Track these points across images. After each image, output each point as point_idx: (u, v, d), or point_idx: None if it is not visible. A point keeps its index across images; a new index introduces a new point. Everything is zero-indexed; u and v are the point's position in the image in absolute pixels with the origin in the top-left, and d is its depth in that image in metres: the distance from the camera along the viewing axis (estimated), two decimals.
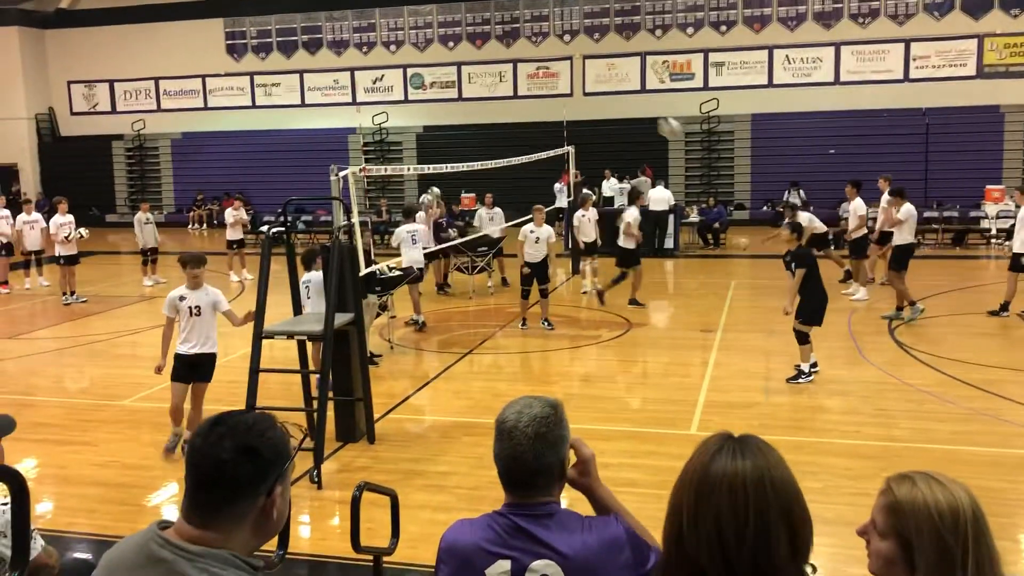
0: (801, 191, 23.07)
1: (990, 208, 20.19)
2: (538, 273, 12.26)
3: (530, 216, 12.69)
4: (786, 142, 24.32)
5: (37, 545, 3.67)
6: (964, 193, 21.31)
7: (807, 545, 1.79)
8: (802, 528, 1.78)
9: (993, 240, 19.83)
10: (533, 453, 2.22)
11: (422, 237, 12.79)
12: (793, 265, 9.31)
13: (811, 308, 9.28)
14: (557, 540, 2.21)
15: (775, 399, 8.88)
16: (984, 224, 20.37)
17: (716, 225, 21.08)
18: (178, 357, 7.55)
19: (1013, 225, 12.69)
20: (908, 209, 12.21)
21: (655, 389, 9.58)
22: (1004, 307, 12.12)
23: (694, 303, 14.38)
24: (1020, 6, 23.18)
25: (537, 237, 12.20)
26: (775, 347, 10.62)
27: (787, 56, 24.85)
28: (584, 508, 2.41)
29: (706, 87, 25.48)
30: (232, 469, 1.73)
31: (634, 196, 14.85)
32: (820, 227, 15.33)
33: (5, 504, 3.33)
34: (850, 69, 24.43)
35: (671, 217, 19.57)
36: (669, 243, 19.57)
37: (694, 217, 21.46)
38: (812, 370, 9.40)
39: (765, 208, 24.65)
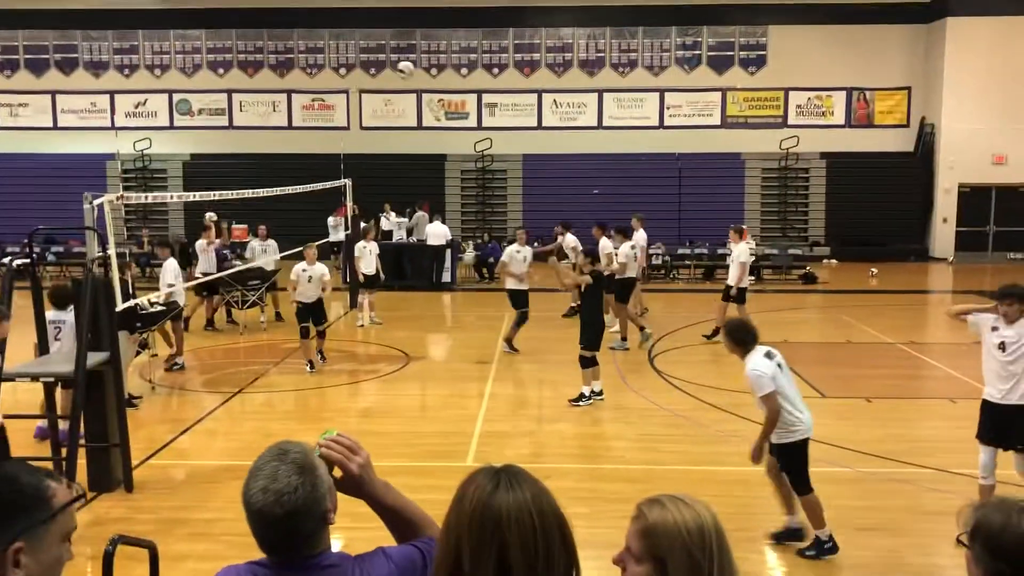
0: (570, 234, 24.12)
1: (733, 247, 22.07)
2: (314, 313, 11.90)
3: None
4: (555, 182, 25.44)
5: None
6: (713, 232, 23.22)
7: (579, 569, 1.86)
8: (574, 552, 1.85)
9: None
10: (290, 530, 2.04)
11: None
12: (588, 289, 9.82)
13: (594, 332, 9.80)
14: None
15: (546, 427, 9.18)
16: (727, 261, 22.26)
17: (491, 260, 21.62)
18: None
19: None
20: (626, 249, 13.26)
21: (433, 422, 9.62)
22: (716, 332, 13.37)
23: (471, 335, 14.63)
24: (756, 65, 25.78)
25: (310, 276, 11.84)
26: (547, 376, 11.01)
27: (555, 100, 26.11)
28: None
29: (480, 126, 26.22)
30: None
31: (623, 231, 13.76)
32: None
33: None
34: (612, 115, 26.06)
35: (448, 251, 19.87)
36: (447, 277, 19.84)
37: (470, 252, 21.90)
38: (596, 397, 9.86)
39: (536, 244, 25.57)
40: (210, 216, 15.71)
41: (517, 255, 12.95)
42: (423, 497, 6.87)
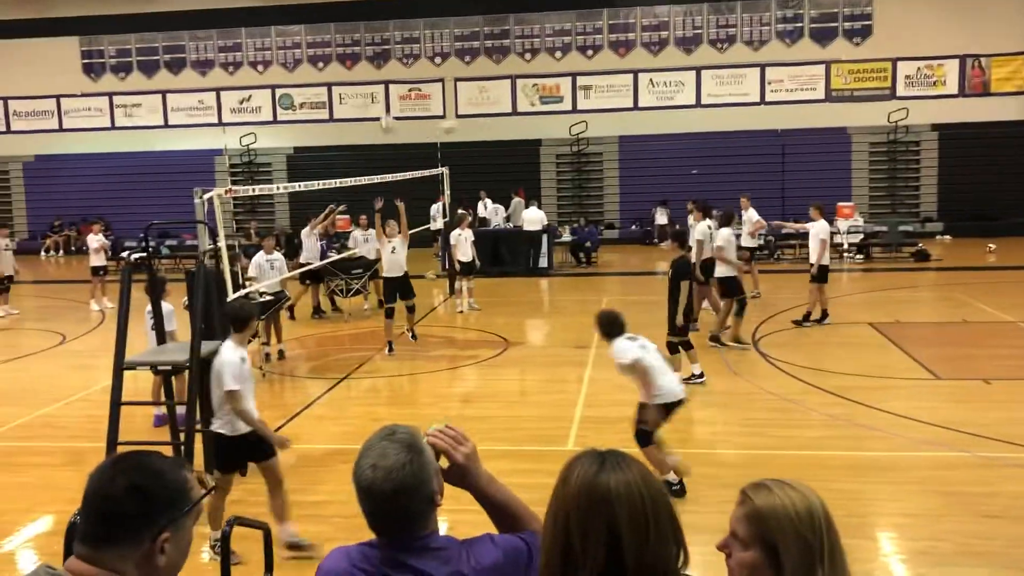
0: (668, 210, 23.88)
1: (841, 224, 21.40)
2: (401, 288, 12.09)
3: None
4: (652, 163, 25.12)
5: None
6: None
7: (687, 553, 1.84)
8: (682, 535, 1.83)
9: (845, 254, 21.01)
10: (398, 508, 2.09)
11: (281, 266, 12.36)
12: (671, 275, 9.68)
13: (672, 319, 9.71)
14: (440, 571, 2.14)
15: None
16: (836, 239, 21.55)
17: (587, 244, 21.53)
18: None
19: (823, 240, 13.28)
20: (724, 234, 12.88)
21: (533, 407, 9.65)
22: (807, 317, 13.00)
23: (569, 320, 14.60)
24: (862, 35, 24.80)
25: (393, 247, 11.99)
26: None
27: (651, 79, 25.73)
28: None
29: (575, 110, 26.07)
30: (117, 506, 1.71)
31: (727, 219, 12.84)
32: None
33: None
34: (710, 92, 25.51)
35: (544, 237, 19.88)
36: (543, 262, 19.86)
37: (566, 237, 21.86)
38: (696, 380, 9.75)
39: (634, 227, 25.38)
40: (339, 207, 16.25)
41: (388, 245, 12.28)
42: (525, 481, 6.90)
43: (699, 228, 12.97)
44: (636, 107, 25.87)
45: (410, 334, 12.33)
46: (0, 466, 7.96)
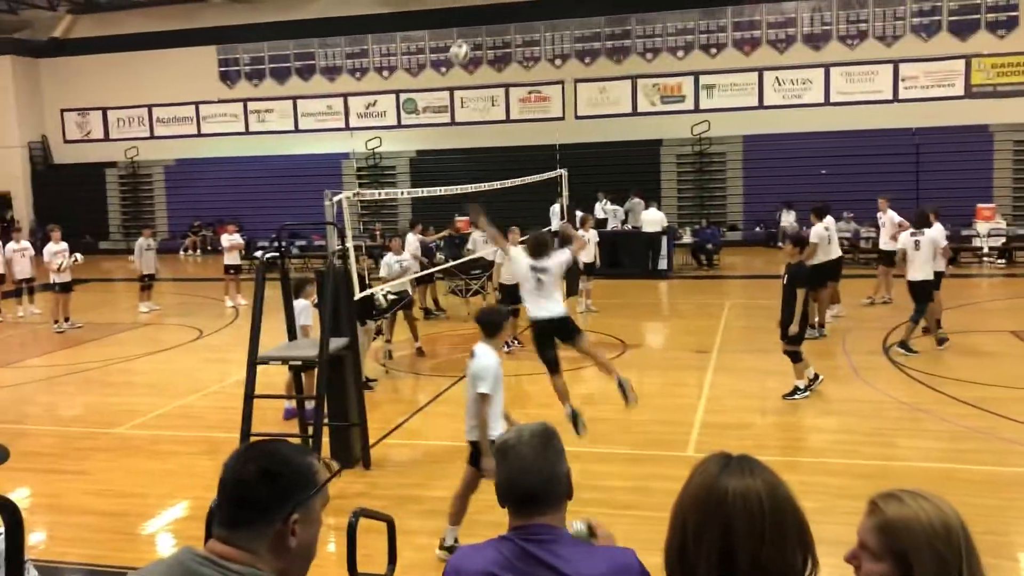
0: (793, 212, 23.18)
1: (981, 227, 20.31)
2: (512, 295, 12.18)
3: None
4: (778, 163, 24.45)
5: None
6: (955, 212, 21.43)
7: (816, 562, 1.80)
8: (812, 545, 1.80)
9: (985, 258, 19.92)
10: (539, 465, 2.28)
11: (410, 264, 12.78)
12: (786, 280, 9.33)
13: (785, 327, 9.30)
14: (566, 565, 2.20)
15: (771, 419, 8.88)
16: (976, 243, 20.47)
17: (709, 246, 21.15)
18: None
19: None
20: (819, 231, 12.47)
21: (651, 411, 9.56)
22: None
23: (689, 323, 14.39)
24: (1007, 27, 23.44)
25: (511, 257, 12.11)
26: (771, 367, 10.61)
27: (777, 78, 25.05)
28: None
29: (697, 109, 25.65)
30: (249, 490, 1.83)
31: (818, 212, 12.72)
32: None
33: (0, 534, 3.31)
34: (840, 90, 24.63)
35: (664, 238, 19.64)
36: (663, 264, 19.62)
37: (687, 238, 21.54)
38: (812, 384, 9.40)
39: (758, 229, 24.76)
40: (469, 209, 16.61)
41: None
42: (642, 484, 6.87)
43: (815, 231, 12.59)
44: (761, 106, 25.23)
45: (514, 340, 12.36)
46: (145, 453, 8.46)
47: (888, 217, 14.57)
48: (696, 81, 25.68)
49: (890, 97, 24.27)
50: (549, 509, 2.28)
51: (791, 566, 1.76)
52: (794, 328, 9.18)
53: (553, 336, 8.04)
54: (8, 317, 16.71)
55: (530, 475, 2.27)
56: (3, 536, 2.64)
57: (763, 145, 24.85)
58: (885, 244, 14.53)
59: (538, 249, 8.00)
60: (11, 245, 16.65)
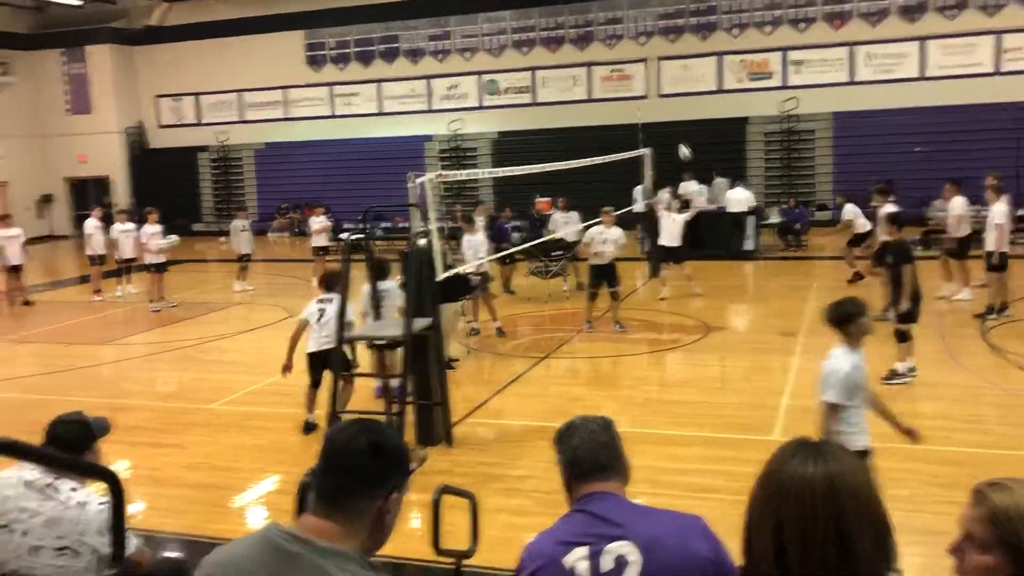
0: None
1: None
2: (607, 275, 12.16)
3: (599, 220, 12.61)
4: (869, 140, 23.66)
5: (131, 543, 3.82)
6: None
7: (893, 551, 1.75)
8: (886, 534, 1.74)
9: None
10: (603, 438, 2.43)
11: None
12: (891, 259, 9.18)
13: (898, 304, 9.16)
14: (632, 521, 2.26)
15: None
16: None
17: (797, 226, 20.64)
18: None
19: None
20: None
21: (735, 394, 9.43)
22: (991, 310, 11.87)
23: (775, 305, 14.11)
24: None
25: (605, 239, 12.09)
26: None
27: (868, 52, 24.20)
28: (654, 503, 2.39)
29: (785, 85, 24.99)
30: (361, 460, 1.88)
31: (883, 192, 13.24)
32: (863, 225, 15.37)
33: (104, 503, 3.48)
34: (936, 63, 23.65)
35: (750, 219, 19.25)
36: (749, 245, 19.24)
37: (775, 218, 21.05)
38: (911, 373, 9.18)
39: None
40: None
41: (599, 236, 12.28)
42: (724, 468, 6.80)
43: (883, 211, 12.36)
44: (852, 81, 24.42)
45: (616, 325, 12.28)
46: (237, 428, 8.75)
47: (953, 204, 13.36)
48: (784, 57, 25.00)
49: (991, 70, 23.20)
50: (611, 480, 2.39)
51: (860, 560, 1.69)
52: (905, 305, 9.06)
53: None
54: (108, 296, 17.44)
55: (595, 445, 2.41)
56: (108, 504, 2.78)
57: (854, 121, 24.08)
58: (955, 230, 13.49)
59: None
60: (116, 226, 17.35)
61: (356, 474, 1.87)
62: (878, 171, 22.88)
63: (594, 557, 2.21)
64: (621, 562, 2.19)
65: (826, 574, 1.68)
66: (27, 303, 16.93)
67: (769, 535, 1.72)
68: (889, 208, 12.73)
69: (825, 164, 24.77)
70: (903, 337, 9.16)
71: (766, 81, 25.20)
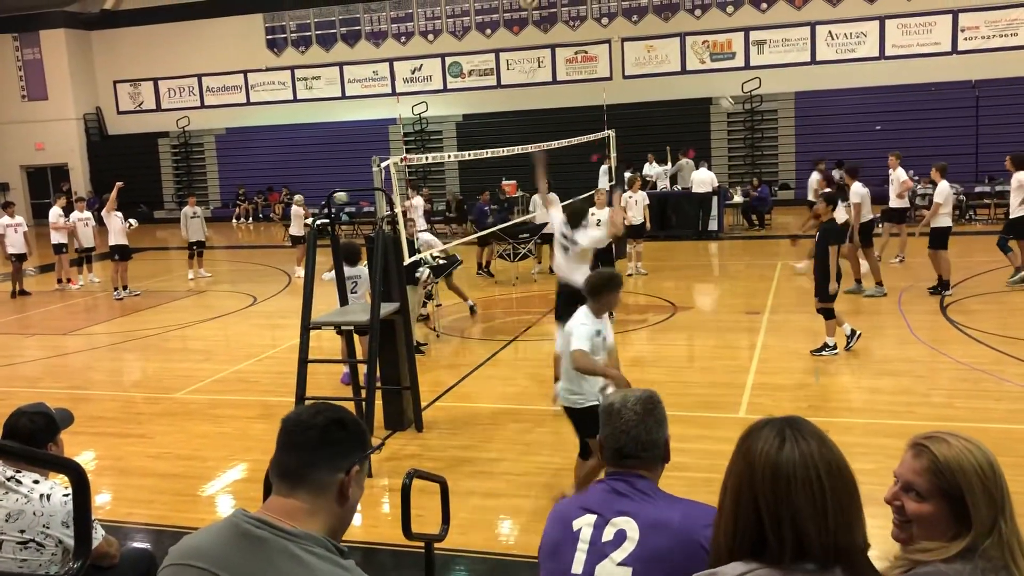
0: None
1: None
2: (603, 256, 12.15)
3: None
4: (831, 119, 23.92)
5: (98, 535, 3.77)
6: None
7: (863, 523, 1.78)
8: (858, 507, 1.78)
9: None
10: (638, 431, 2.47)
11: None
12: (821, 237, 9.37)
13: (819, 284, 9.41)
14: (644, 502, 2.38)
15: (824, 380, 8.78)
16: None
17: (757, 203, 20.82)
18: None
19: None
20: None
21: (702, 372, 9.52)
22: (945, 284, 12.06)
23: (739, 285, 14.24)
24: None
25: (599, 220, 12.08)
26: (823, 327, 10.47)
27: (830, 32, 24.42)
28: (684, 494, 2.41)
29: (747, 66, 25.16)
30: (321, 434, 1.88)
31: (852, 172, 12.99)
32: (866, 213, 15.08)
33: (67, 495, 3.43)
34: (895, 43, 23.94)
35: (715, 199, 19.38)
36: (713, 225, 19.39)
37: (738, 198, 21.22)
38: (850, 341, 9.44)
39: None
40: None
41: (592, 218, 12.05)
42: (693, 447, 6.84)
43: (854, 190, 12.38)
44: (814, 61, 24.64)
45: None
46: (203, 417, 8.67)
47: (895, 175, 14.15)
48: (746, 37, 25.15)
49: (948, 49, 23.52)
50: (643, 467, 2.49)
51: (857, 535, 1.73)
52: (833, 287, 9.24)
53: None
54: (70, 287, 17.16)
55: (629, 437, 2.47)
56: (70, 496, 2.74)
57: (816, 101, 24.32)
58: (893, 203, 14.27)
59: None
60: (75, 215, 17.04)
61: (318, 449, 1.87)
62: (840, 151, 23.19)
63: (599, 527, 2.37)
64: (620, 536, 2.34)
65: (803, 548, 1.70)
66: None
67: (791, 521, 1.72)
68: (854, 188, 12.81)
69: (788, 144, 25.00)
70: (828, 315, 9.43)
71: (729, 61, 25.34)
